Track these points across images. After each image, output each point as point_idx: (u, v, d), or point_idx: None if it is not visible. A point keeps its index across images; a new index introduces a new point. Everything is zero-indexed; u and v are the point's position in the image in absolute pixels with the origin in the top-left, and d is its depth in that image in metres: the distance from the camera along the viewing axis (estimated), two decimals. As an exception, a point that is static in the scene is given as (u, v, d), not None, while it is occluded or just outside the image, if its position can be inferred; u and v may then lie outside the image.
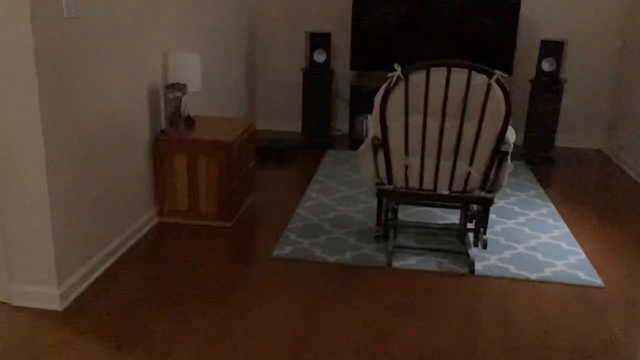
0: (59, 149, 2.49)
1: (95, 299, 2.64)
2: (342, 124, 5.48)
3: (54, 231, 2.48)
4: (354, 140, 5.07)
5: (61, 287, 2.55)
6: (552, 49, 4.70)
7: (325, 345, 2.36)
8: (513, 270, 2.99)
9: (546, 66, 4.72)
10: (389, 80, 2.74)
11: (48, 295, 2.53)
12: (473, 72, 2.67)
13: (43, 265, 2.51)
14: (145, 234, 3.30)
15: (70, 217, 2.60)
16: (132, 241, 3.17)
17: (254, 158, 3.83)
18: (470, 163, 2.85)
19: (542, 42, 4.73)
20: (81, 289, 2.69)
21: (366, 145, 3.05)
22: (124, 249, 3.07)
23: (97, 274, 2.82)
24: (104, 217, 2.89)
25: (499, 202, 3.88)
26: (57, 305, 2.54)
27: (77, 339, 2.34)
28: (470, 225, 3.35)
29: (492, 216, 3.61)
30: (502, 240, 3.33)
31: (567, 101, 5.12)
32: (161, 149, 3.36)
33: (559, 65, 4.72)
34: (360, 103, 4.97)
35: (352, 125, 5.15)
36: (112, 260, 2.95)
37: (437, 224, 3.51)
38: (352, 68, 5.13)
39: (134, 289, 2.74)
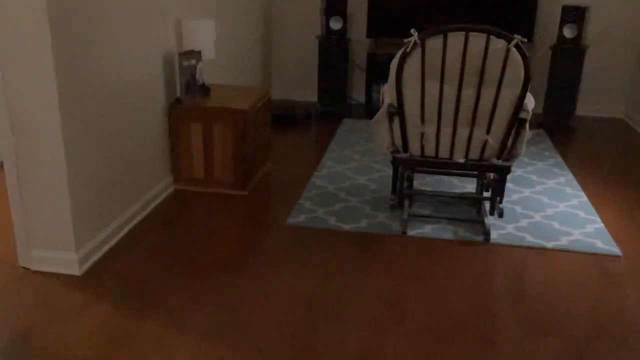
0: (75, 118, 2.49)
1: (112, 265, 2.67)
2: (358, 93, 5.43)
3: (71, 198, 2.51)
4: (370, 109, 5.02)
5: (79, 253, 2.59)
6: (574, 15, 4.58)
7: (340, 313, 2.37)
8: (529, 239, 2.97)
9: (567, 32, 4.62)
10: (405, 46, 2.69)
11: (67, 260, 2.57)
12: (492, 37, 2.61)
13: (61, 231, 2.55)
14: (162, 202, 3.32)
15: (87, 184, 2.63)
16: (149, 208, 3.20)
17: (269, 126, 3.82)
18: (488, 131, 2.81)
19: (564, 7, 4.61)
20: (99, 254, 2.73)
21: (382, 112, 3.02)
22: (141, 216, 3.10)
23: (114, 240, 2.85)
24: (121, 185, 2.91)
25: (517, 171, 3.84)
26: (75, 270, 2.58)
27: (94, 303, 2.39)
28: (486, 194, 3.32)
29: (509, 185, 3.58)
30: (519, 209, 3.30)
31: (588, 69, 5.00)
32: (176, 117, 3.36)
33: (580, 32, 4.61)
34: (377, 71, 4.91)
35: (368, 93, 5.10)
36: (129, 227, 2.99)
37: (452, 193, 3.48)
38: (368, 35, 5.06)
39: (150, 255, 2.77)
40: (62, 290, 2.47)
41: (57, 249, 2.58)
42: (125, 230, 2.96)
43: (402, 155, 2.96)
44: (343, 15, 4.90)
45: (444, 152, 2.91)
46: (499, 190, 3.04)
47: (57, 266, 2.59)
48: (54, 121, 2.39)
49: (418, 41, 2.65)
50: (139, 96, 3.03)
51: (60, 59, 2.35)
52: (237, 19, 4.50)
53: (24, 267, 2.63)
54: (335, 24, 4.92)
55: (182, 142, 3.39)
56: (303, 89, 5.49)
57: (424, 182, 3.66)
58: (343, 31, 4.94)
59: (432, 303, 2.45)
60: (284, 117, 4.75)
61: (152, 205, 3.24)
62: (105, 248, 2.78)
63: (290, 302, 2.43)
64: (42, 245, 2.59)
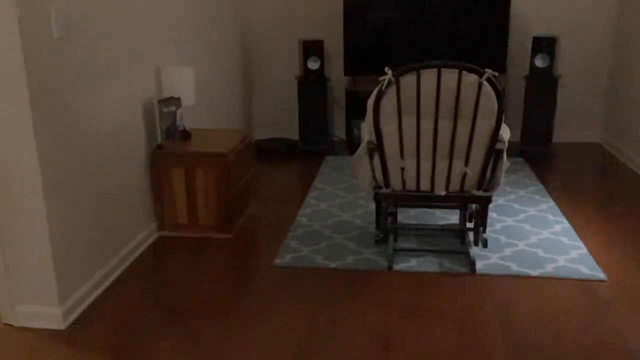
0: (56, 170, 2.50)
1: (97, 316, 2.64)
2: (339, 130, 5.49)
3: (53, 251, 2.49)
4: (352, 146, 5.06)
5: (63, 306, 2.56)
6: (545, 45, 4.70)
7: (329, 352, 2.36)
8: (514, 268, 2.99)
9: (539, 62, 4.73)
10: (380, 84, 2.75)
11: (50, 315, 2.54)
12: (464, 72, 2.67)
13: (44, 285, 2.52)
14: (146, 249, 3.30)
15: (69, 236, 2.61)
16: (133, 257, 3.18)
17: (252, 167, 3.84)
18: (466, 163, 2.85)
19: (534, 38, 4.74)
20: (83, 306, 2.69)
21: (362, 149, 3.06)
22: (125, 265, 3.08)
23: (99, 291, 2.82)
24: (104, 235, 2.90)
25: (499, 200, 3.88)
26: (59, 325, 2.54)
27: (80, 357, 2.34)
28: (469, 225, 3.35)
29: (492, 214, 3.61)
30: (503, 238, 3.33)
31: (562, 97, 5.11)
32: (158, 164, 3.37)
33: (552, 61, 4.72)
34: (356, 108, 4.97)
35: (349, 130, 5.16)
36: (113, 277, 2.96)
37: (436, 225, 3.50)
38: (346, 74, 5.14)
39: (135, 304, 2.74)
40: (46, 346, 2.43)
41: (41, 304, 2.54)
42: (110, 280, 2.93)
43: (384, 190, 2.98)
44: (320, 55, 4.99)
45: (425, 186, 2.95)
46: (481, 220, 3.07)
47: (41, 321, 2.55)
48: (34, 175, 2.39)
49: (392, 79, 2.71)
50: (120, 144, 3.04)
51: (38, 109, 2.36)
52: (216, 64, 4.56)
53: (8, 324, 2.59)
54: (313, 64, 5.00)
55: (164, 188, 3.40)
56: (285, 129, 5.53)
57: (407, 215, 3.69)
58: (321, 70, 5.02)
59: (422, 336, 2.44)
60: (265, 148, 4.99)
61: (137, 253, 3.22)
62: (90, 299, 2.75)
63: (280, 343, 2.41)
64: (25, 300, 2.55)
